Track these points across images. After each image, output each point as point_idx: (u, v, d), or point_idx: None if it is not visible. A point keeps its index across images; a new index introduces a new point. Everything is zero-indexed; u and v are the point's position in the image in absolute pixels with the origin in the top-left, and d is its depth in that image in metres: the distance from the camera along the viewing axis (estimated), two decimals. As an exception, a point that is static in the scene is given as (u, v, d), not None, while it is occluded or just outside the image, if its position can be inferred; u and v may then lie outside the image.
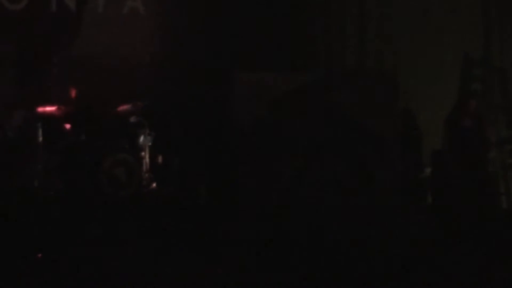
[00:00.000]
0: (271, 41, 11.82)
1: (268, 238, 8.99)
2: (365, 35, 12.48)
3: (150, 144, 10.87)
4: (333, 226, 9.30)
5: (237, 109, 10.58)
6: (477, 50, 12.24)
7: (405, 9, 12.31)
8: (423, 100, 11.97)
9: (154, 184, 10.77)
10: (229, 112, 10.76)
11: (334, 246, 8.61)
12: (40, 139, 10.23)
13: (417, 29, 12.29)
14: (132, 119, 10.96)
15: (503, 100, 11.98)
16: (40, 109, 10.46)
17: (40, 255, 8.20)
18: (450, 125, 9.54)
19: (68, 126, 10.62)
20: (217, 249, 8.62)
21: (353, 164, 10.29)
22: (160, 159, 11.03)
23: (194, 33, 11.76)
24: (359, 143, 10.45)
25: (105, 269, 7.76)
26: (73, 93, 10.83)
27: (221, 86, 11.21)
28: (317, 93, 10.87)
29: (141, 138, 10.82)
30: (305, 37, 12.32)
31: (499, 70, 12.24)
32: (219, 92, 11.26)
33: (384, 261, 8.04)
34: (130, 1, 11.82)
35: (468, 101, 9.51)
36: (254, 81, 10.63)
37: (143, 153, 10.75)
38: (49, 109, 10.50)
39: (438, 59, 12.19)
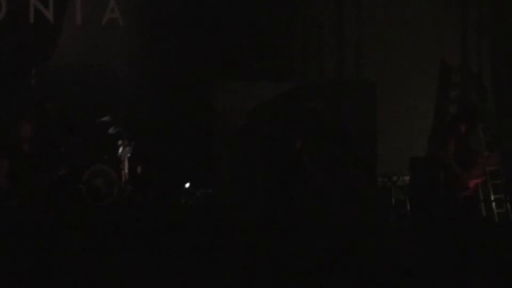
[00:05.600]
0: (251, 51, 11.88)
1: (250, 246, 8.98)
2: (344, 45, 12.52)
3: (129, 154, 10.85)
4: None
5: (217, 118, 10.62)
6: (455, 57, 12.31)
7: (384, 18, 12.37)
8: (402, 108, 12.04)
9: (133, 194, 10.75)
10: (209, 121, 10.79)
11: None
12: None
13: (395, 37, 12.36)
14: (111, 129, 10.96)
15: (480, 107, 12.02)
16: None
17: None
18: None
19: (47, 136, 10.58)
20: (198, 257, 8.58)
21: (334, 170, 10.30)
22: (139, 169, 11.01)
23: (174, 44, 11.80)
24: (339, 150, 10.47)
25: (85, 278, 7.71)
26: (51, 104, 10.78)
27: (201, 96, 11.24)
28: (298, 102, 10.90)
29: (120, 149, 10.82)
30: (285, 48, 12.35)
31: (476, 77, 12.30)
32: (199, 102, 11.30)
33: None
34: (109, 13, 11.83)
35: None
36: (234, 90, 10.66)
37: (122, 164, 10.74)
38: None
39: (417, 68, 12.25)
